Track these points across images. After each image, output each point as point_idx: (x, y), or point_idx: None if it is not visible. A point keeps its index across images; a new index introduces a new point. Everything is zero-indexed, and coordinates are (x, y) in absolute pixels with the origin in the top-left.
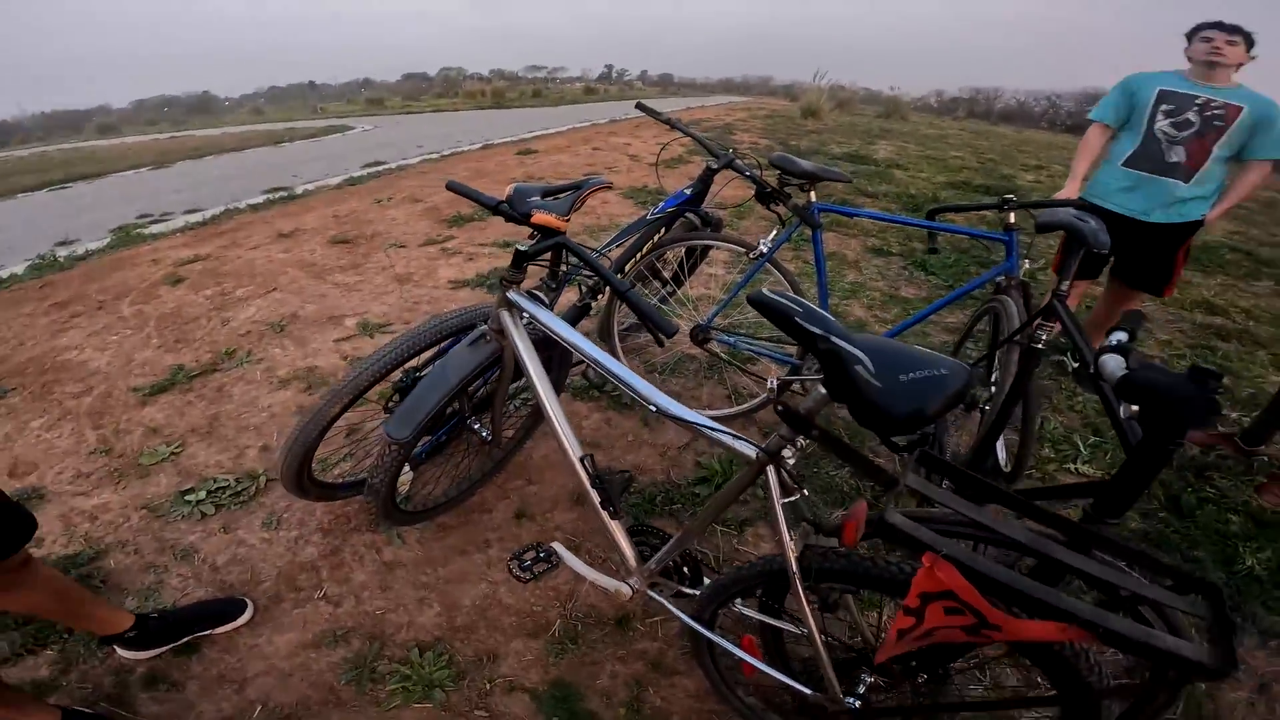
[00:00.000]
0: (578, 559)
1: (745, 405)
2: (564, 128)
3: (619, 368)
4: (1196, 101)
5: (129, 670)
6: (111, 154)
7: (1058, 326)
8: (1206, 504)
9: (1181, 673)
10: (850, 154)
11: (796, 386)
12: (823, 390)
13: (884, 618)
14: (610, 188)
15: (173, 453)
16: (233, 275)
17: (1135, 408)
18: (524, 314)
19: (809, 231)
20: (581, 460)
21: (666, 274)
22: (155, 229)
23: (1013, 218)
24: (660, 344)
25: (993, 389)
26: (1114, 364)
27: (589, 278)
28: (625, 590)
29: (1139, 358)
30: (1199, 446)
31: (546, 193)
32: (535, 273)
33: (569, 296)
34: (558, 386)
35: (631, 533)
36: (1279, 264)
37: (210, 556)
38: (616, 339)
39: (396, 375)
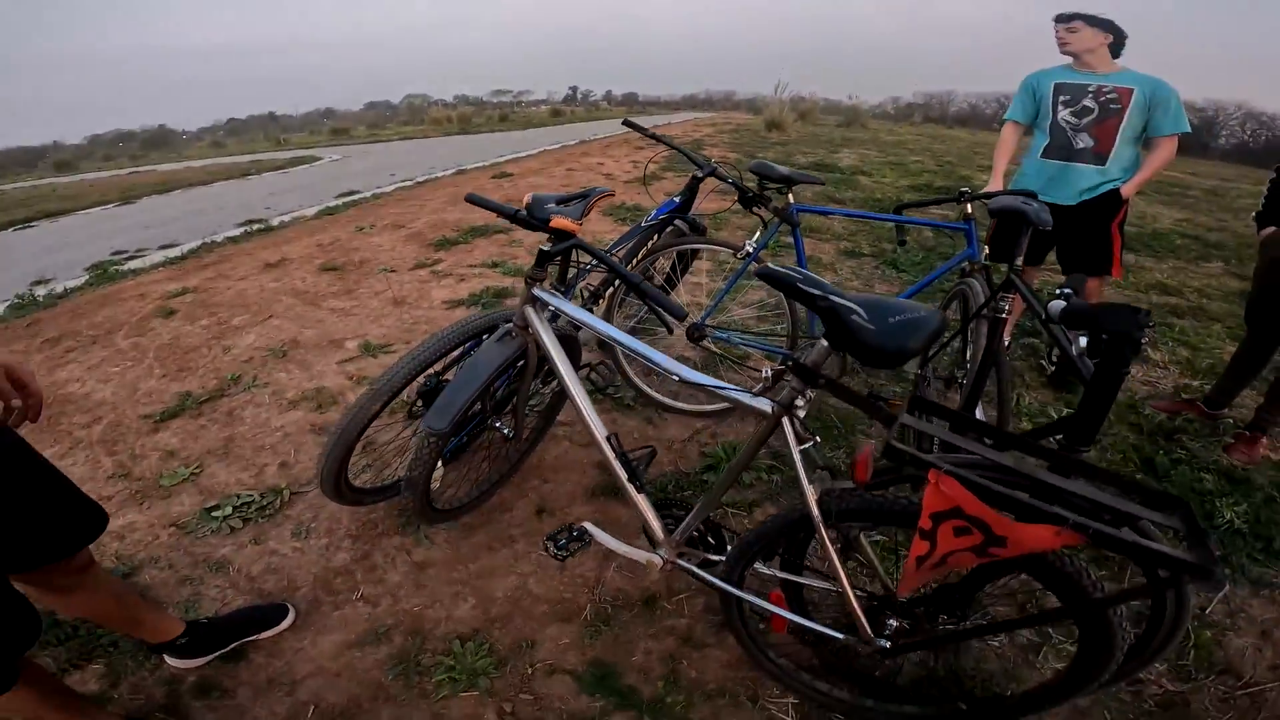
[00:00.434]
0: (609, 535)
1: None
2: (535, 150)
3: (642, 346)
4: (1089, 89)
5: (179, 680)
6: (73, 191)
7: (1017, 297)
8: (1179, 465)
9: (1172, 572)
10: (816, 164)
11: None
12: (825, 343)
13: (900, 566)
14: (613, 195)
15: (192, 473)
16: (226, 305)
17: (1084, 342)
18: (548, 308)
19: (788, 233)
20: (608, 439)
21: (659, 280)
22: (133, 264)
23: (970, 209)
24: (670, 330)
25: (969, 365)
26: (1056, 305)
27: (589, 286)
28: (656, 560)
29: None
30: (1166, 413)
31: (560, 201)
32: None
33: None
34: (563, 394)
35: (656, 507)
36: (1226, 246)
37: (244, 567)
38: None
39: (418, 381)
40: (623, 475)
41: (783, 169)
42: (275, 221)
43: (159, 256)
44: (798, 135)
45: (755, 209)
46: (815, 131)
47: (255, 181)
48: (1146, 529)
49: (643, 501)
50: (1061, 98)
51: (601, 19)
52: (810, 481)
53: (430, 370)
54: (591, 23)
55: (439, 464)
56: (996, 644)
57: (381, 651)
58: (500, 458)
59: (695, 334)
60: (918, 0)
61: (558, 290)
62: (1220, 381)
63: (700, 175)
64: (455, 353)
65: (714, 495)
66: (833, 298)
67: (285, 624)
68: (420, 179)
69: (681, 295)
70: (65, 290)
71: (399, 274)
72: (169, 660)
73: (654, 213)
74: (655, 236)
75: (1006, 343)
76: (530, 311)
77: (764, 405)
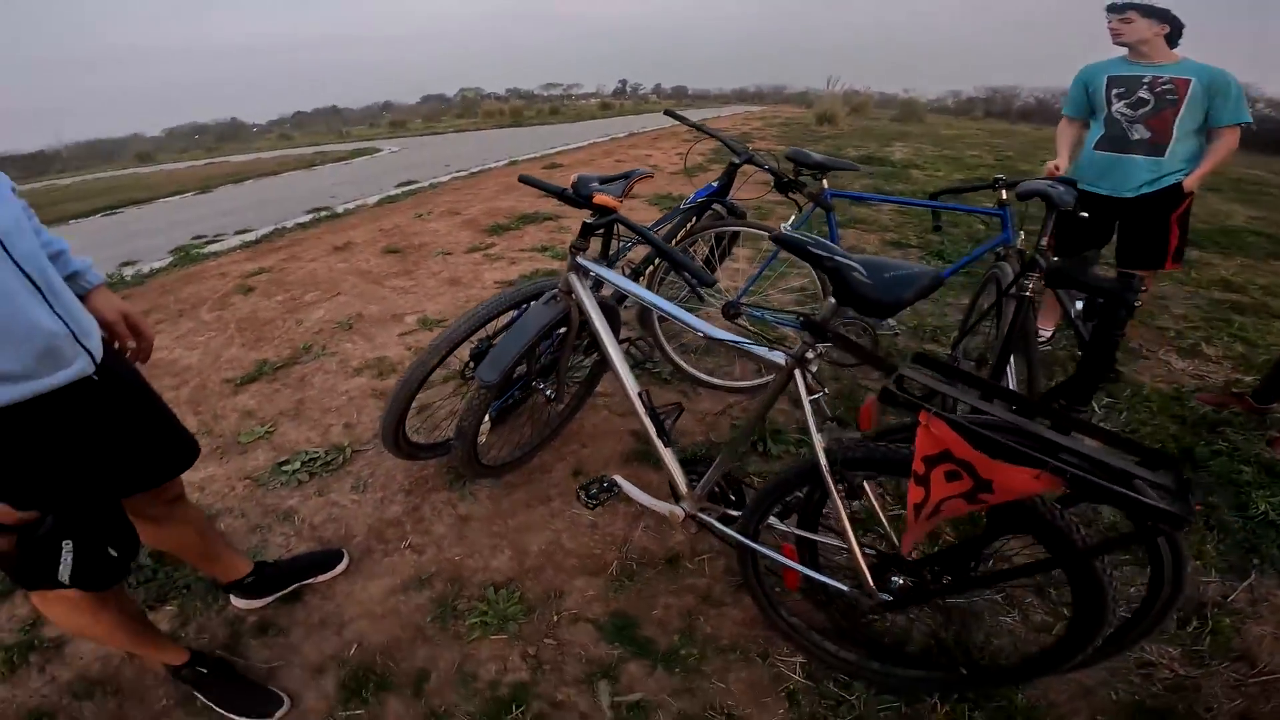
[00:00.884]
0: (636, 488)
1: (770, 376)
2: (584, 143)
3: (669, 305)
4: (1144, 80)
5: (241, 620)
6: (155, 180)
7: (1040, 275)
8: (1219, 455)
9: (1154, 521)
10: (866, 156)
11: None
12: (832, 300)
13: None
14: (652, 176)
15: (267, 432)
16: (298, 284)
17: (1080, 305)
18: (589, 275)
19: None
20: (639, 395)
21: (699, 260)
22: (213, 248)
23: (1005, 195)
24: (700, 298)
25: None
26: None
27: (631, 263)
28: (679, 512)
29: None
30: (1212, 406)
31: (602, 181)
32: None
33: None
34: (604, 362)
35: (683, 464)
36: None
37: (308, 517)
38: (656, 321)
39: (472, 344)
40: (651, 429)
41: (817, 156)
42: (340, 209)
43: (236, 241)
44: (849, 129)
45: (790, 194)
46: (869, 125)
47: (320, 172)
48: (1139, 487)
49: (668, 455)
50: (1115, 90)
51: (653, 12)
52: (819, 430)
53: (483, 333)
54: (643, 15)
55: (487, 421)
56: (1008, 619)
57: (423, 596)
58: (542, 422)
59: (731, 312)
60: None
61: (602, 261)
62: (1270, 375)
63: (738, 161)
64: (505, 318)
65: (734, 447)
66: (838, 258)
67: (340, 569)
68: (474, 170)
69: (720, 279)
70: (151, 270)
71: (454, 256)
72: (235, 600)
73: (693, 196)
74: (694, 220)
75: (1050, 333)
76: (573, 278)
77: (778, 358)
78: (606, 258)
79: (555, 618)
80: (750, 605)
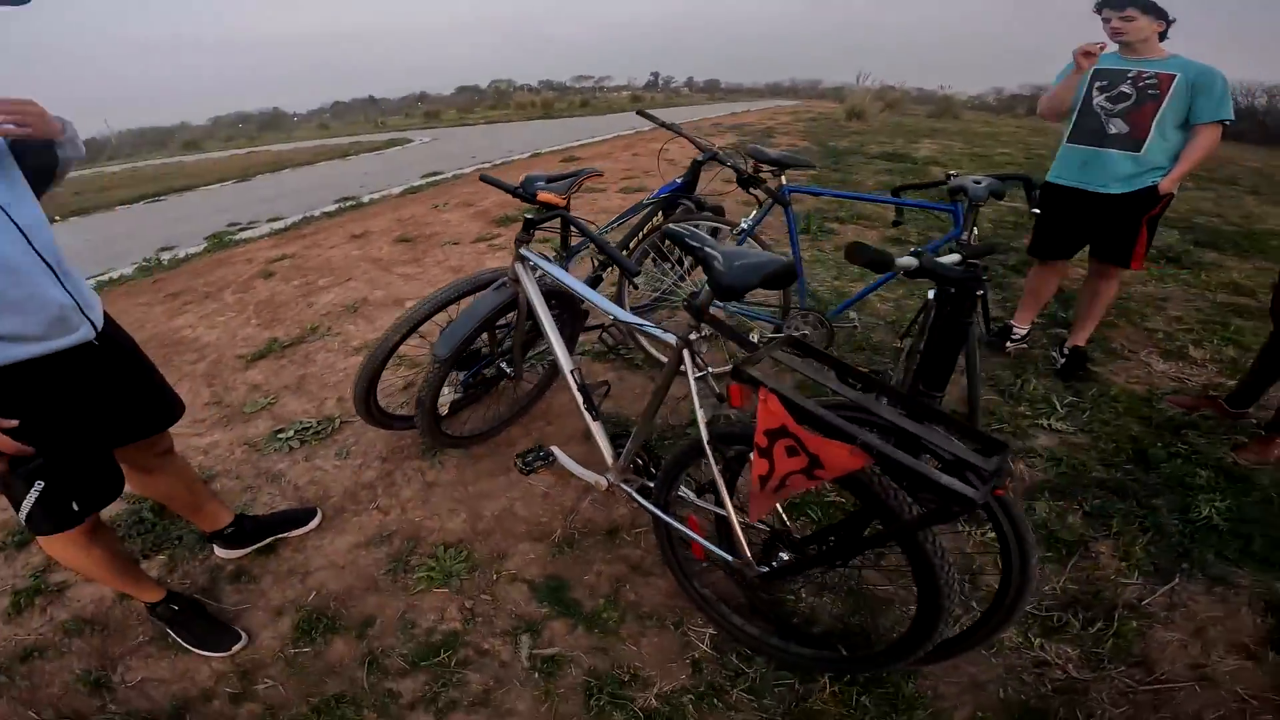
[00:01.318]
0: (569, 458)
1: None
2: (609, 135)
3: (584, 288)
4: (1128, 75)
5: (220, 568)
6: (198, 169)
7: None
8: (1175, 458)
9: (946, 501)
10: (889, 153)
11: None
12: (708, 287)
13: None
14: (600, 175)
15: (269, 403)
16: (315, 269)
17: (931, 295)
18: (533, 266)
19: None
20: (571, 371)
21: (673, 257)
22: (244, 235)
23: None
24: (633, 286)
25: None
26: (907, 261)
27: (599, 254)
28: (603, 482)
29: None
30: (1184, 409)
31: (550, 179)
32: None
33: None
34: (571, 341)
35: (615, 439)
36: None
37: (294, 479)
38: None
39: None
40: (581, 402)
41: (774, 152)
42: (366, 199)
43: (266, 228)
44: (879, 125)
45: (751, 190)
46: (901, 121)
47: (354, 161)
48: (946, 469)
49: (597, 428)
50: (1098, 83)
51: (689, 8)
52: (702, 407)
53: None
54: (679, 8)
55: (447, 393)
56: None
57: (381, 552)
58: (509, 399)
59: (696, 305)
60: None
61: (562, 255)
62: (1244, 379)
63: (701, 159)
64: (467, 300)
65: (644, 422)
66: (706, 249)
67: (312, 525)
68: (498, 161)
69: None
70: (186, 255)
71: (461, 246)
72: (217, 549)
73: (656, 192)
74: (660, 215)
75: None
76: (518, 267)
77: (669, 338)
78: (566, 249)
79: (495, 576)
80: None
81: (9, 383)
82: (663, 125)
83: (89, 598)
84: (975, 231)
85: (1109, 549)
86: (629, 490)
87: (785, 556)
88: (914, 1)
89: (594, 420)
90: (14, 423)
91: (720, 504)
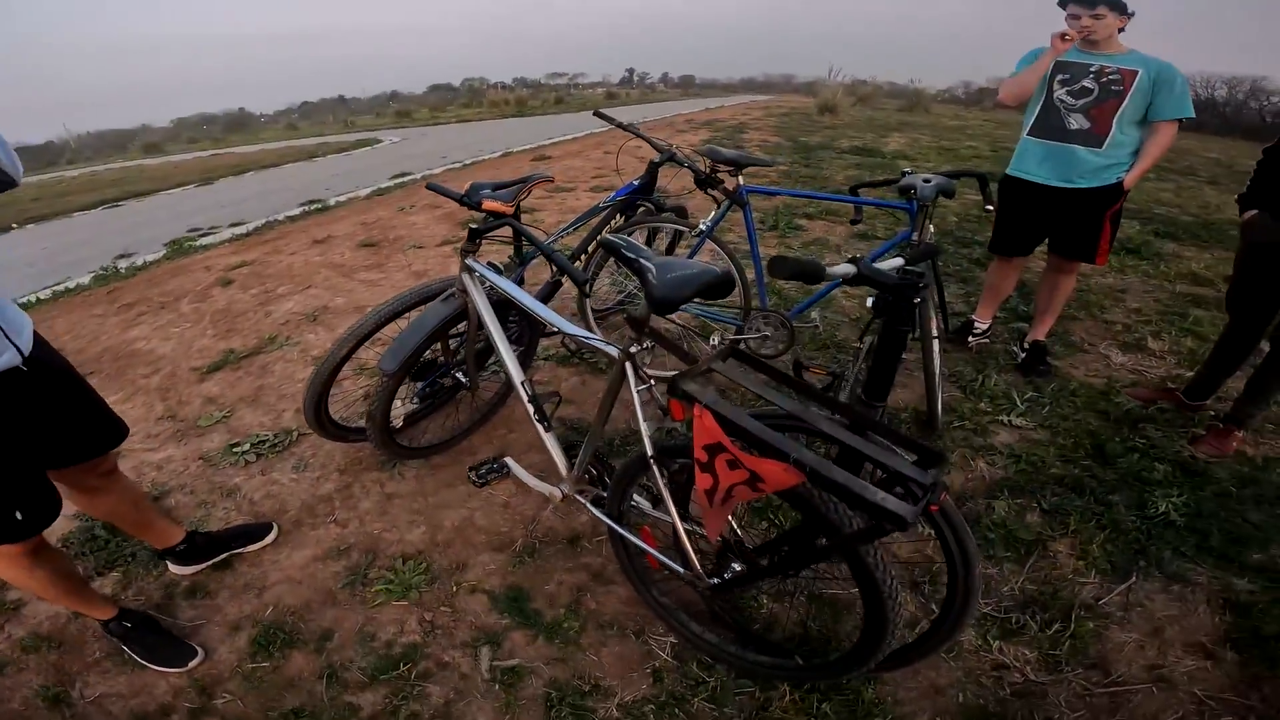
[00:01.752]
0: (523, 470)
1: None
2: (581, 134)
3: (526, 297)
4: (1091, 69)
5: (175, 584)
6: (159, 172)
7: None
8: (1132, 452)
9: (879, 519)
10: (859, 147)
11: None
12: (644, 300)
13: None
14: (552, 181)
15: (224, 416)
16: (275, 277)
17: (870, 302)
18: (479, 276)
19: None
20: (522, 383)
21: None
22: (204, 241)
23: (915, 190)
24: (578, 284)
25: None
26: (846, 269)
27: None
28: (557, 493)
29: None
30: (1141, 401)
31: (497, 186)
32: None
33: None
34: (528, 353)
35: (566, 449)
36: None
37: (250, 493)
38: (590, 316)
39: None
40: (532, 413)
41: (730, 152)
42: (332, 201)
43: (228, 234)
44: (850, 119)
45: (709, 190)
46: (872, 116)
47: (321, 163)
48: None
49: (549, 439)
50: (1060, 76)
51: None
52: (646, 420)
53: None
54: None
55: (400, 405)
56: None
57: (339, 565)
58: (470, 408)
59: (654, 309)
60: None
61: (515, 262)
62: (1201, 371)
63: (658, 160)
64: (416, 311)
65: (594, 432)
66: (641, 260)
67: (268, 539)
68: (468, 161)
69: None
70: (144, 263)
71: (426, 250)
72: (171, 566)
73: (612, 195)
74: (620, 217)
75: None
76: (465, 279)
77: (612, 350)
78: (520, 257)
79: (455, 588)
80: None
81: None
82: (619, 126)
83: (44, 615)
84: (932, 230)
85: (1067, 547)
86: (583, 501)
87: (737, 567)
88: None
89: (546, 431)
90: None
91: (669, 516)
